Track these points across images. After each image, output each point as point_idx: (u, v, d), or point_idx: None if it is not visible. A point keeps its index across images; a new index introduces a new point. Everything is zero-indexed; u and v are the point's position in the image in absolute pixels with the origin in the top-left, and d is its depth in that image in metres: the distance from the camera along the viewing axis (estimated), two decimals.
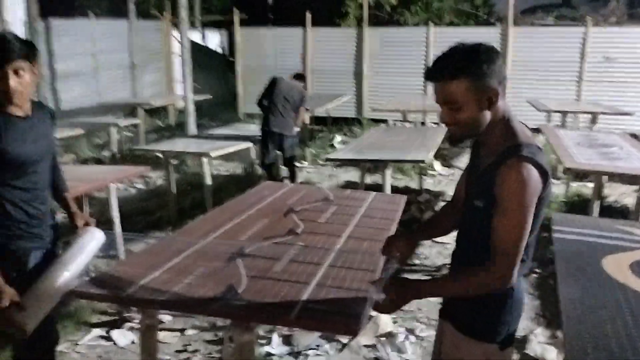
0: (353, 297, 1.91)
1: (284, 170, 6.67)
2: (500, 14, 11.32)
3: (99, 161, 7.73)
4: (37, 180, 2.17)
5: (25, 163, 2.10)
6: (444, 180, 7.11)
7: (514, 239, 1.48)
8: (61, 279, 2.04)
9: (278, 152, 6.16)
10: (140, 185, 6.79)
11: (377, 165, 5.90)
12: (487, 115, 1.52)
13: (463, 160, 8.01)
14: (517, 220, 1.47)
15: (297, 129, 6.15)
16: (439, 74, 1.50)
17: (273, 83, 5.93)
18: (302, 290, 1.98)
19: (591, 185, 4.77)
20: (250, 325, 1.86)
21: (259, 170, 7.26)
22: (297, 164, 6.64)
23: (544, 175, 1.49)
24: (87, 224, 2.39)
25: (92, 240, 2.30)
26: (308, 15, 11.09)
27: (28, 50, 2.07)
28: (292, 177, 6.35)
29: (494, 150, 1.55)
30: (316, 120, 10.17)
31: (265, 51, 11.74)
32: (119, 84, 11.08)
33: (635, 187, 5.36)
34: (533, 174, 1.46)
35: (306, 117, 6.36)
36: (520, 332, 3.44)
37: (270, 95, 5.87)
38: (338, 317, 1.78)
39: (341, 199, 3.44)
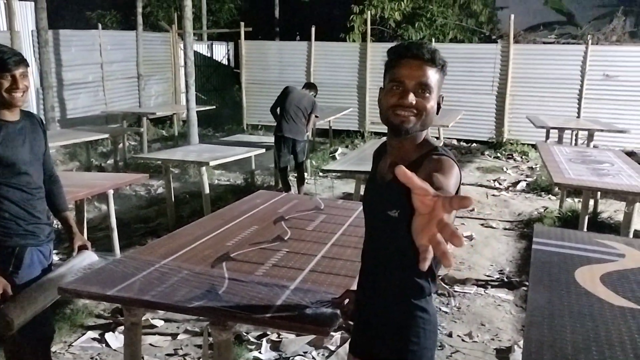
0: (327, 300, 1.99)
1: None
2: (503, 31, 11.43)
3: (102, 169, 7.87)
4: (30, 182, 2.29)
5: (16, 163, 2.22)
6: None
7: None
8: (51, 283, 2.16)
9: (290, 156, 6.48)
10: (143, 193, 6.90)
11: None
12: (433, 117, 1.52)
13: (466, 175, 8.04)
14: (452, 185, 1.38)
15: (307, 135, 6.52)
16: (432, 56, 1.48)
17: (286, 92, 6.33)
18: (280, 293, 2.06)
19: (582, 201, 4.83)
20: (227, 325, 1.95)
21: (259, 180, 7.39)
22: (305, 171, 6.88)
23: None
24: (83, 246, 2.50)
25: (85, 261, 2.42)
26: (312, 30, 11.27)
27: (25, 60, 2.22)
28: (301, 181, 6.64)
29: (405, 159, 1.54)
30: (318, 132, 10.29)
31: (270, 64, 11.92)
32: (125, 94, 11.28)
33: None
34: (457, 165, 1.47)
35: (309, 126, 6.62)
36: (505, 343, 3.51)
37: (282, 103, 6.25)
38: (310, 318, 1.87)
39: (332, 208, 3.53)
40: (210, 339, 2.03)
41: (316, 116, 6.66)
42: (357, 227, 3.12)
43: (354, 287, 2.29)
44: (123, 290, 2.04)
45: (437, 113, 1.54)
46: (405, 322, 1.58)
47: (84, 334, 3.47)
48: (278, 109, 6.33)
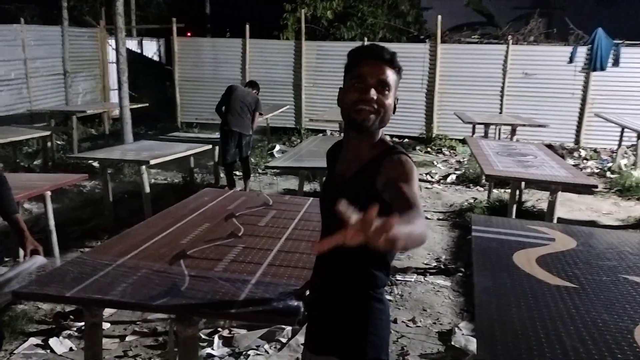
0: (290, 292, 2.06)
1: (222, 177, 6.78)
2: (430, 31, 11.88)
3: (30, 170, 7.49)
4: None
5: None
6: None
7: (418, 200, 1.42)
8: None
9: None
10: (75, 195, 6.64)
11: (315, 173, 6.12)
12: (389, 115, 1.61)
13: None
14: (415, 191, 1.47)
15: (252, 131, 6.66)
16: (390, 56, 1.58)
17: (230, 90, 6.47)
18: (242, 287, 2.12)
19: (509, 191, 5.18)
20: (193, 320, 1.98)
21: (198, 179, 7.31)
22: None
23: None
24: (35, 251, 2.42)
25: (35, 265, 2.34)
26: (246, 27, 11.23)
27: None
28: (247, 175, 6.73)
29: (363, 157, 1.63)
30: (255, 130, 10.29)
31: (204, 61, 11.77)
32: (51, 92, 10.75)
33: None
34: (412, 161, 1.57)
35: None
36: (445, 326, 3.72)
37: (228, 100, 6.38)
38: (276, 309, 1.93)
39: (280, 204, 3.60)
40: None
41: (260, 114, 6.75)
42: (307, 221, 3.21)
43: None
44: (82, 291, 2.01)
45: (394, 112, 1.63)
46: (363, 314, 1.64)
47: (25, 341, 3.34)
48: (223, 107, 6.41)
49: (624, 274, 2.31)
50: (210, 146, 6.53)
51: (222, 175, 6.98)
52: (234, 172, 6.77)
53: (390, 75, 1.58)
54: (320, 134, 10.23)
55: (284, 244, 2.73)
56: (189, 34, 13.26)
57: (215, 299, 2.00)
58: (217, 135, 6.82)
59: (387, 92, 1.57)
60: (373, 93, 1.55)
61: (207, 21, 17.37)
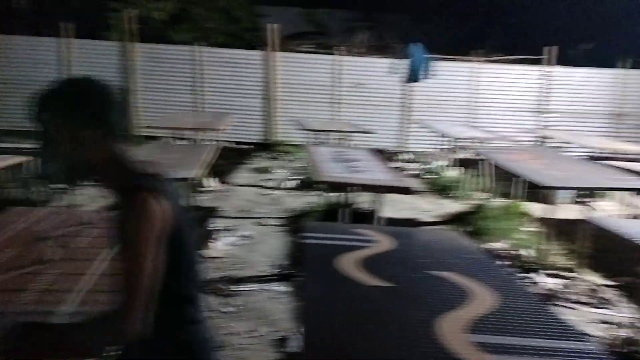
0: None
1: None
2: (265, 39, 12.05)
3: None
4: None
5: None
6: (220, 197, 7.33)
7: (134, 281, 1.31)
8: None
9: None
10: None
11: None
12: (87, 154, 1.44)
13: (241, 176, 8.42)
14: (135, 259, 1.32)
15: None
16: (35, 106, 1.44)
17: None
18: (54, 320, 1.92)
19: (342, 195, 5.47)
20: None
21: (6, 195, 6.52)
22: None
23: (168, 203, 1.40)
24: None
25: None
26: (65, 26, 10.38)
27: None
28: (69, 189, 6.25)
29: (114, 192, 1.45)
30: None
31: (19, 62, 10.60)
32: None
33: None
34: (152, 203, 1.36)
35: None
36: (281, 333, 3.78)
37: None
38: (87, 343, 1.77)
39: (103, 221, 3.35)
40: None
41: None
42: None
43: None
44: None
45: (88, 149, 1.43)
46: (173, 349, 1.51)
47: None
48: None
49: (431, 270, 2.54)
50: (23, 157, 5.84)
51: (36, 189, 6.29)
52: (54, 185, 6.16)
53: (48, 121, 1.45)
54: (158, 141, 9.79)
55: (108, 267, 2.54)
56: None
57: None
58: (32, 144, 6.13)
59: (52, 141, 1.46)
60: (41, 147, 1.50)
61: (21, 17, 15.62)
